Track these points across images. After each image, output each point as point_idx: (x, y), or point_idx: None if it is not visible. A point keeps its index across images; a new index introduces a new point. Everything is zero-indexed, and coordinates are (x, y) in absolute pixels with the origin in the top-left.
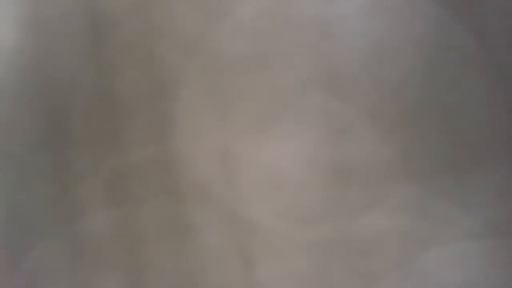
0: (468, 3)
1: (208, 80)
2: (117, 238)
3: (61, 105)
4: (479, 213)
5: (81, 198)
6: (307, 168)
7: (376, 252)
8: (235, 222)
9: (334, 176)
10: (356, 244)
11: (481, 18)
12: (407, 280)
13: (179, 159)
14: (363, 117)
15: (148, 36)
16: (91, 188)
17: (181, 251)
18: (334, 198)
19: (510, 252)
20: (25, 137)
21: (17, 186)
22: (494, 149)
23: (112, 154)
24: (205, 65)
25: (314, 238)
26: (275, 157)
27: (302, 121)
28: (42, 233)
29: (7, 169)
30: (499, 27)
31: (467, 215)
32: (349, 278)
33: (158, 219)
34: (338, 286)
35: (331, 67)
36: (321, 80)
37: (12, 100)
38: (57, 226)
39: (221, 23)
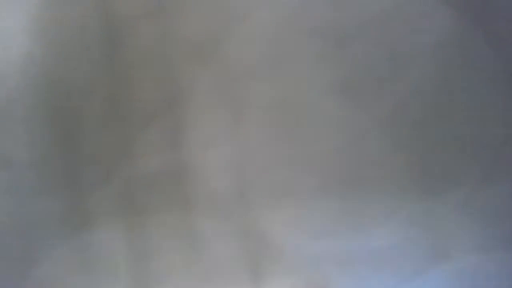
0: (483, 12)
1: (222, 88)
2: (127, 248)
3: (73, 115)
4: (492, 226)
5: (92, 208)
6: (320, 179)
7: (388, 266)
8: (246, 235)
9: (346, 188)
10: (368, 258)
11: (497, 28)
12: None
13: (191, 170)
14: (377, 126)
15: (162, 45)
16: (102, 198)
17: (191, 262)
18: (346, 210)
19: None
20: (37, 147)
21: (29, 195)
22: (508, 162)
23: (124, 164)
24: (219, 73)
25: (325, 251)
26: (288, 168)
27: (316, 130)
28: (53, 243)
29: (19, 179)
30: None
31: (480, 229)
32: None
33: (169, 230)
34: None
35: (345, 75)
36: (335, 88)
37: (25, 109)
38: (68, 237)
39: (236, 30)
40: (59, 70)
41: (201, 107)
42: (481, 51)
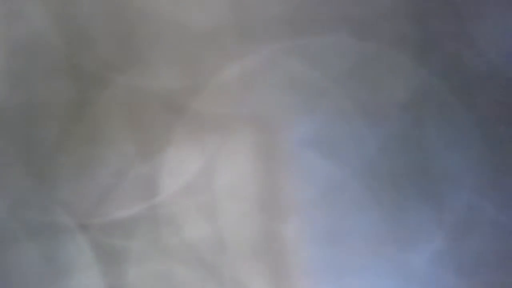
0: (454, 67)
1: (195, 140)
2: None
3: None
4: (468, 276)
5: (68, 257)
6: (298, 230)
7: None
8: (225, 285)
9: (325, 238)
10: None
11: (468, 83)
12: None
13: (166, 217)
14: (352, 178)
15: (135, 95)
16: (78, 247)
17: None
18: (325, 260)
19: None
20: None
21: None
22: (482, 213)
23: (99, 212)
24: (191, 125)
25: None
26: (266, 217)
27: (294, 180)
28: None
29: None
30: (487, 93)
31: (457, 279)
32: None
33: (147, 277)
34: None
35: (321, 128)
36: (312, 140)
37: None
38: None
39: (208, 84)
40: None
41: (176, 155)
42: (452, 104)
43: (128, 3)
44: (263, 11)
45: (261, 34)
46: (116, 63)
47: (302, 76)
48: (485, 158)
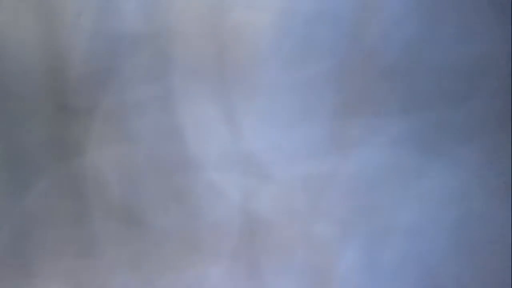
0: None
1: (208, 18)
2: (116, 177)
3: (58, 44)
4: (474, 142)
5: (80, 136)
6: (307, 101)
7: (371, 185)
8: (235, 159)
9: (332, 109)
10: (353, 177)
11: None
12: (402, 211)
13: (177, 96)
14: (364, 51)
15: None
16: (89, 126)
17: (181, 188)
18: (332, 131)
19: (507, 183)
20: (24, 76)
21: (17, 124)
22: (490, 78)
23: (111, 92)
24: (205, 3)
25: (308, 173)
26: (273, 91)
27: (304, 55)
28: (42, 171)
29: (5, 109)
30: None
31: (462, 146)
32: (344, 212)
33: (158, 157)
34: (333, 219)
35: (334, 4)
36: (320, 15)
37: (11, 39)
38: (57, 164)
39: None
40: None
41: (188, 35)
42: None
43: None
44: None
45: None
46: None
47: None
48: None
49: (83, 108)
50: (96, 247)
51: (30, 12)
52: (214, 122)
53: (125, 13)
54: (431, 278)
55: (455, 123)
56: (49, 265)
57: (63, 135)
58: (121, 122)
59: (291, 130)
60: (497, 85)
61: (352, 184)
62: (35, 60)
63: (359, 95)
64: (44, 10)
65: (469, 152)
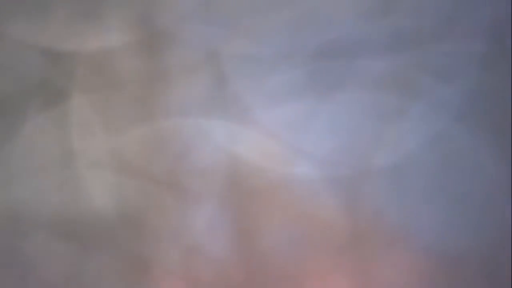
0: None
1: None
2: (101, 121)
3: None
4: (456, 83)
5: (66, 83)
6: (288, 41)
7: (352, 127)
8: (219, 101)
9: (314, 51)
10: (332, 119)
11: None
12: (383, 152)
13: (162, 41)
14: None
15: None
16: (75, 72)
17: (166, 132)
18: (313, 72)
19: (486, 117)
20: (12, 21)
21: (1, 70)
22: (472, 18)
23: (95, 37)
24: None
25: (290, 115)
26: (252, 35)
27: None
28: (29, 115)
29: None
30: None
31: (443, 86)
32: (326, 153)
33: (142, 101)
34: (315, 160)
35: None
36: None
37: None
38: (42, 109)
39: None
40: None
41: None
42: None
43: None
44: None
45: None
46: None
47: None
48: None
49: (67, 53)
50: (83, 191)
51: None
52: (198, 66)
53: None
54: (412, 219)
55: (437, 64)
56: (38, 207)
57: (48, 80)
58: (105, 67)
59: (273, 72)
60: (479, 26)
61: (333, 126)
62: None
63: (337, 35)
64: None
65: (450, 92)
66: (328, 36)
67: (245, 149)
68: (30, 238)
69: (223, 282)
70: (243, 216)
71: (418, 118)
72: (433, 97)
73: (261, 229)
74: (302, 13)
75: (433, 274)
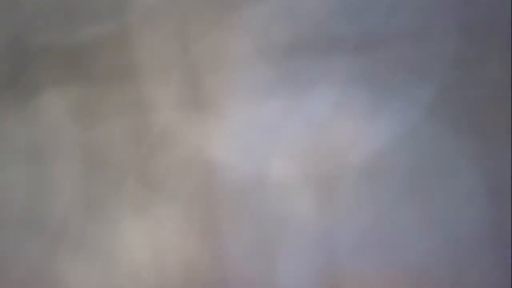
0: None
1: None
2: (72, 115)
3: None
4: (429, 81)
5: (37, 76)
6: (261, 41)
7: (324, 126)
8: (189, 97)
9: (286, 49)
10: (304, 118)
11: None
12: (356, 151)
13: (133, 35)
14: None
15: None
16: (46, 66)
17: (136, 127)
18: (284, 69)
19: (461, 115)
20: None
21: None
22: (441, 18)
23: (66, 31)
24: None
25: (262, 113)
26: (225, 32)
27: None
28: (1, 112)
29: None
30: None
31: (414, 82)
32: (298, 151)
33: (114, 96)
34: (287, 159)
35: None
36: None
37: None
38: (13, 105)
39: None
40: None
41: None
42: None
43: None
44: None
45: None
46: None
47: None
48: None
49: (38, 48)
50: (52, 188)
51: None
52: (170, 61)
53: None
54: (385, 218)
55: (408, 62)
56: (5, 206)
57: (18, 76)
58: (76, 61)
59: (244, 69)
60: (450, 23)
61: (306, 124)
62: None
63: (310, 32)
64: None
65: (421, 90)
66: (301, 34)
67: (218, 146)
68: None
69: (191, 283)
70: (213, 215)
71: (389, 116)
72: (406, 94)
73: (230, 228)
74: (275, 10)
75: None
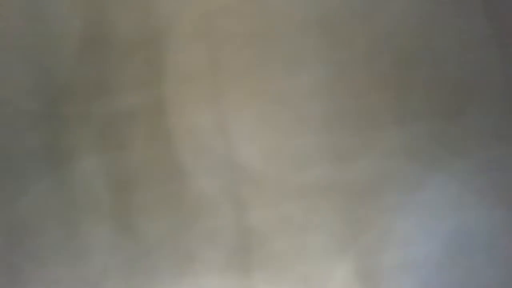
0: None
1: (200, 25)
2: (108, 183)
3: (51, 52)
4: (469, 156)
5: (71, 143)
6: (299, 111)
7: (367, 197)
8: (227, 167)
9: (326, 119)
10: (347, 189)
11: None
12: (397, 223)
13: (169, 104)
14: (356, 62)
15: None
16: (81, 133)
17: (172, 195)
18: (326, 141)
19: (502, 191)
20: (16, 84)
21: (8, 131)
22: (485, 92)
23: (102, 99)
24: (197, 10)
25: (305, 183)
26: (265, 100)
27: (294, 65)
28: (34, 178)
29: None
30: None
31: (458, 158)
32: (340, 223)
33: (149, 164)
34: (329, 230)
35: (325, 11)
36: (313, 23)
37: (4, 49)
38: (47, 171)
39: None
40: (36, 8)
41: (181, 43)
42: None
43: None
44: None
45: None
46: None
47: None
48: None
49: (75, 115)
50: (87, 254)
51: (22, 17)
52: (206, 130)
53: (116, 19)
54: None
55: (450, 136)
56: (40, 272)
57: (54, 142)
58: (113, 129)
59: (283, 139)
60: (492, 99)
61: (347, 196)
62: (26, 66)
63: (352, 105)
64: (35, 14)
65: (464, 164)
66: (340, 105)
67: (255, 215)
68: None
69: None
70: (251, 286)
71: (432, 189)
72: (447, 168)
73: None
74: (315, 82)
75: None
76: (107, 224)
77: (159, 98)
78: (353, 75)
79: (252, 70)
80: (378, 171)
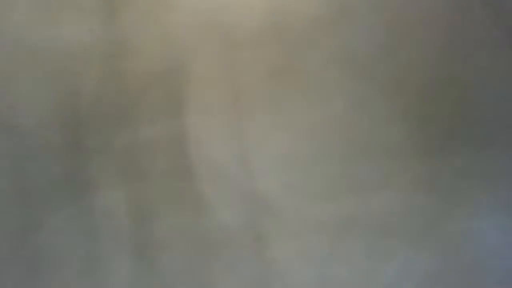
0: None
1: (222, 56)
2: (128, 214)
3: (71, 82)
4: (494, 189)
5: (93, 174)
6: (321, 143)
7: (389, 230)
8: (248, 199)
9: (348, 151)
10: (369, 222)
11: None
12: (420, 257)
13: (191, 135)
14: (378, 93)
15: (161, 12)
16: (102, 164)
17: (193, 228)
18: (348, 174)
19: None
20: (37, 113)
21: (29, 161)
22: (508, 125)
23: (124, 130)
24: (219, 41)
25: (326, 215)
26: (288, 132)
27: (317, 97)
28: (54, 209)
29: (19, 145)
30: None
31: (483, 192)
32: (363, 256)
33: (170, 195)
34: (351, 264)
35: (347, 43)
36: (336, 55)
37: (24, 76)
38: (68, 202)
39: None
40: (58, 38)
41: (202, 73)
42: (484, 16)
43: None
44: None
45: None
46: None
47: None
48: None
49: (96, 146)
50: (107, 286)
51: (44, 50)
52: (227, 161)
53: (138, 50)
54: None
55: (474, 170)
56: None
57: (76, 173)
58: (134, 160)
59: (305, 172)
60: None
61: (369, 229)
62: (49, 99)
63: (374, 137)
64: (58, 47)
65: (488, 199)
66: (360, 137)
67: (275, 247)
68: None
69: None
70: None
71: (455, 224)
72: (472, 200)
73: None
74: (334, 113)
75: None
76: (127, 255)
77: (181, 130)
78: (376, 107)
79: (274, 102)
80: (400, 204)
